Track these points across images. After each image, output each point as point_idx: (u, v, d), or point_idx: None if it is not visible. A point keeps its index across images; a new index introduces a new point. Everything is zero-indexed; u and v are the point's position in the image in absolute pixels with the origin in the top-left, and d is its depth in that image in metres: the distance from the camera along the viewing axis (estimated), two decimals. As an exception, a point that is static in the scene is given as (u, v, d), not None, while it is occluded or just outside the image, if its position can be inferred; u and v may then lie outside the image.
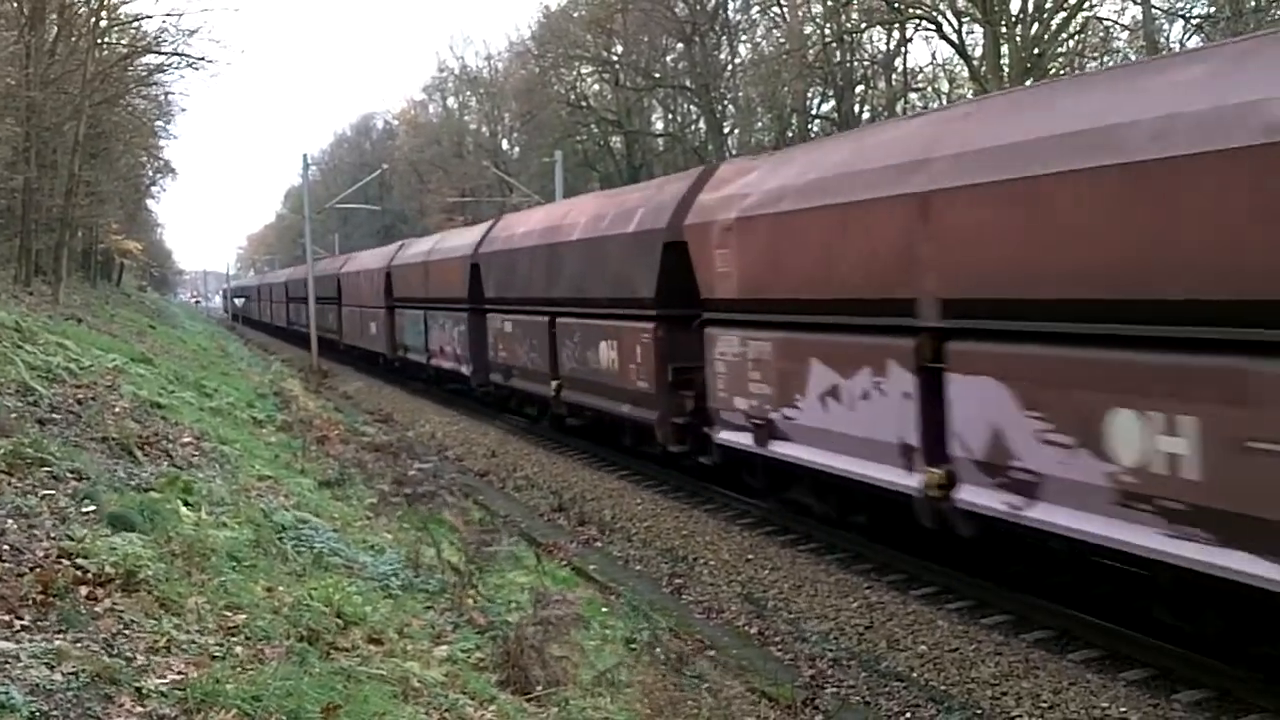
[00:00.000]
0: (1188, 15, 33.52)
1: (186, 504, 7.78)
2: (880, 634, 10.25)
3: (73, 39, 31.73)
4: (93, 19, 31.39)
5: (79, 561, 5.67)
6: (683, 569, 12.81)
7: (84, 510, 6.68)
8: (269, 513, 8.70)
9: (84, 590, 5.39)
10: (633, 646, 9.13)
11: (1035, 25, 36.08)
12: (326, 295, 47.70)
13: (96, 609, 5.24)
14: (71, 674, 4.40)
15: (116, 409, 10.92)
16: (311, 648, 5.69)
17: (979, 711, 8.45)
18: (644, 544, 14.13)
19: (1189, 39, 34.15)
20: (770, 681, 9.07)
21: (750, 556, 13.07)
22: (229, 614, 5.76)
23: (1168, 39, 35.57)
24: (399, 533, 10.47)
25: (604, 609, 10.49)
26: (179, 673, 4.77)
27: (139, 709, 4.35)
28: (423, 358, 31.30)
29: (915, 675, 9.28)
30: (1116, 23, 38.38)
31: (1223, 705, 8.11)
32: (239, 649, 5.31)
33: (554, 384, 20.32)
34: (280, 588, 6.62)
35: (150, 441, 9.99)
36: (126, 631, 5.09)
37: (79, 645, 4.72)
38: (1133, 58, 34.54)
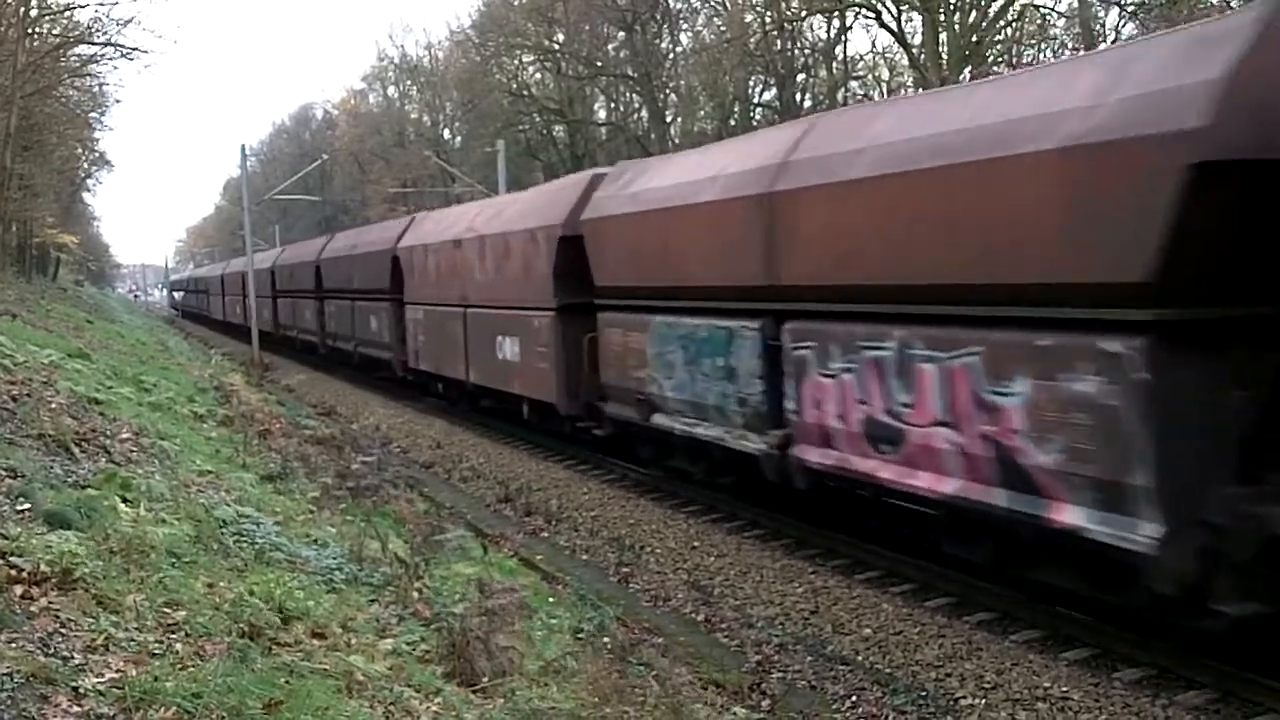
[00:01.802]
0: (1122, 2, 33.90)
1: (125, 500, 7.66)
2: (826, 618, 10.32)
3: (1, 28, 31.10)
4: (22, 8, 30.82)
5: (13, 560, 5.57)
6: (630, 558, 12.83)
7: (19, 508, 6.56)
8: (210, 508, 8.59)
9: (19, 589, 5.30)
10: (580, 636, 9.14)
11: (973, 13, 36.41)
12: (362, 288, 30.86)
13: (32, 608, 5.15)
14: (6, 674, 4.32)
15: (53, 405, 10.73)
16: (253, 644, 5.63)
17: (924, 693, 8.54)
18: (591, 533, 14.12)
19: (1124, 26, 34.61)
20: (717, 668, 9.11)
21: (696, 544, 13.12)
22: (168, 611, 5.69)
23: (1103, 26, 36.03)
24: (343, 526, 10.38)
25: (551, 599, 10.50)
26: (117, 671, 4.70)
27: (76, 708, 4.28)
28: (713, 427, 13.27)
29: (860, 658, 9.36)
30: (1053, 10, 38.80)
31: (1161, 683, 8.26)
32: (179, 646, 5.24)
33: None
34: (221, 584, 6.55)
35: (87, 438, 9.83)
36: (63, 630, 5.01)
37: (14, 645, 4.64)
38: (1069, 45, 34.97)
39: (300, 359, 41.51)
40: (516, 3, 57.64)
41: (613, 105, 60.73)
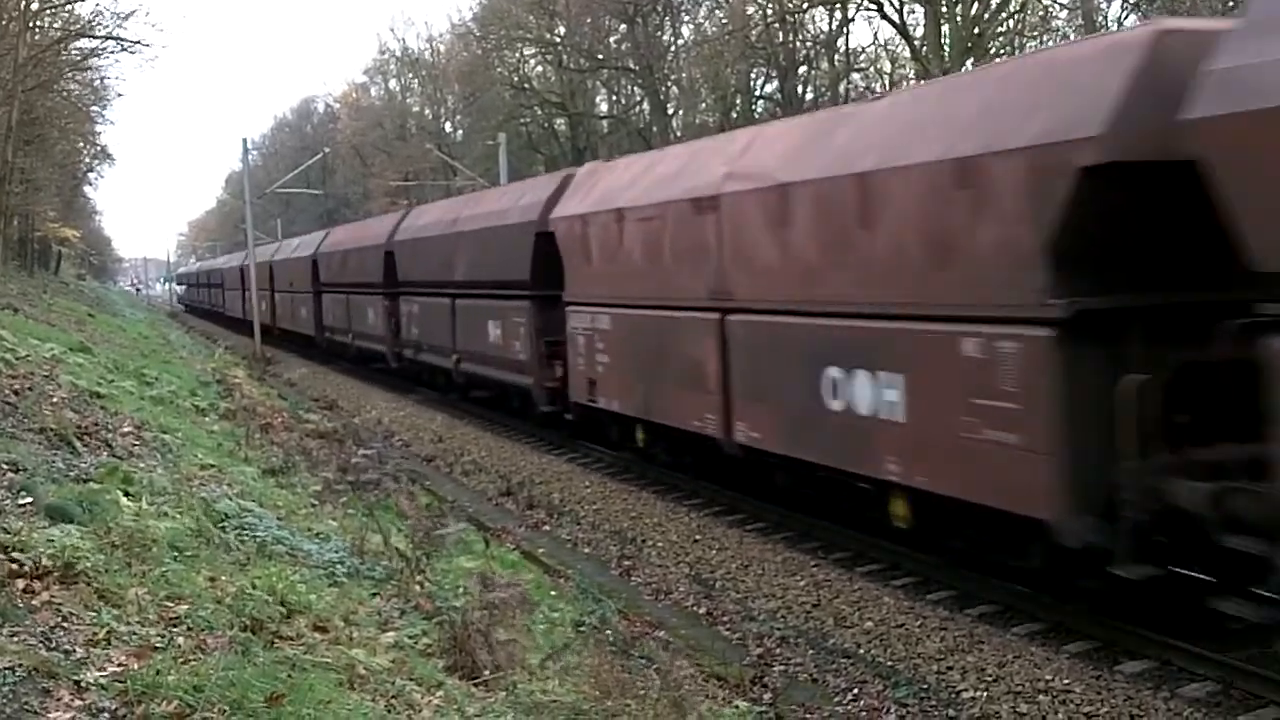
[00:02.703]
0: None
1: (127, 494, 7.66)
2: (827, 611, 10.32)
3: (3, 22, 31.08)
4: (23, 2, 30.77)
5: (15, 554, 5.57)
6: (631, 551, 12.83)
7: (20, 502, 6.56)
8: (211, 502, 8.58)
9: (20, 583, 5.29)
10: (582, 629, 9.13)
11: (975, 4, 36.35)
12: (474, 280, 22.00)
13: (34, 602, 5.15)
14: (8, 668, 4.32)
15: (54, 399, 10.74)
16: (255, 637, 5.62)
17: (925, 686, 8.53)
18: (593, 527, 14.13)
19: (1126, 18, 34.54)
20: (719, 661, 9.11)
21: (698, 537, 13.12)
22: (170, 604, 5.68)
23: (1106, 18, 35.96)
24: (344, 520, 10.38)
25: (553, 592, 10.49)
26: (119, 665, 4.70)
27: (78, 702, 4.28)
28: None
29: (862, 652, 9.36)
30: (1056, 2, 38.74)
31: (1163, 675, 8.25)
32: (181, 640, 5.24)
33: None
34: (223, 577, 6.54)
35: (89, 432, 9.84)
36: (65, 624, 5.01)
37: (15, 639, 4.64)
38: (1072, 37, 34.89)
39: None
40: (517, -5, 57.55)
41: (614, 98, 60.66)
